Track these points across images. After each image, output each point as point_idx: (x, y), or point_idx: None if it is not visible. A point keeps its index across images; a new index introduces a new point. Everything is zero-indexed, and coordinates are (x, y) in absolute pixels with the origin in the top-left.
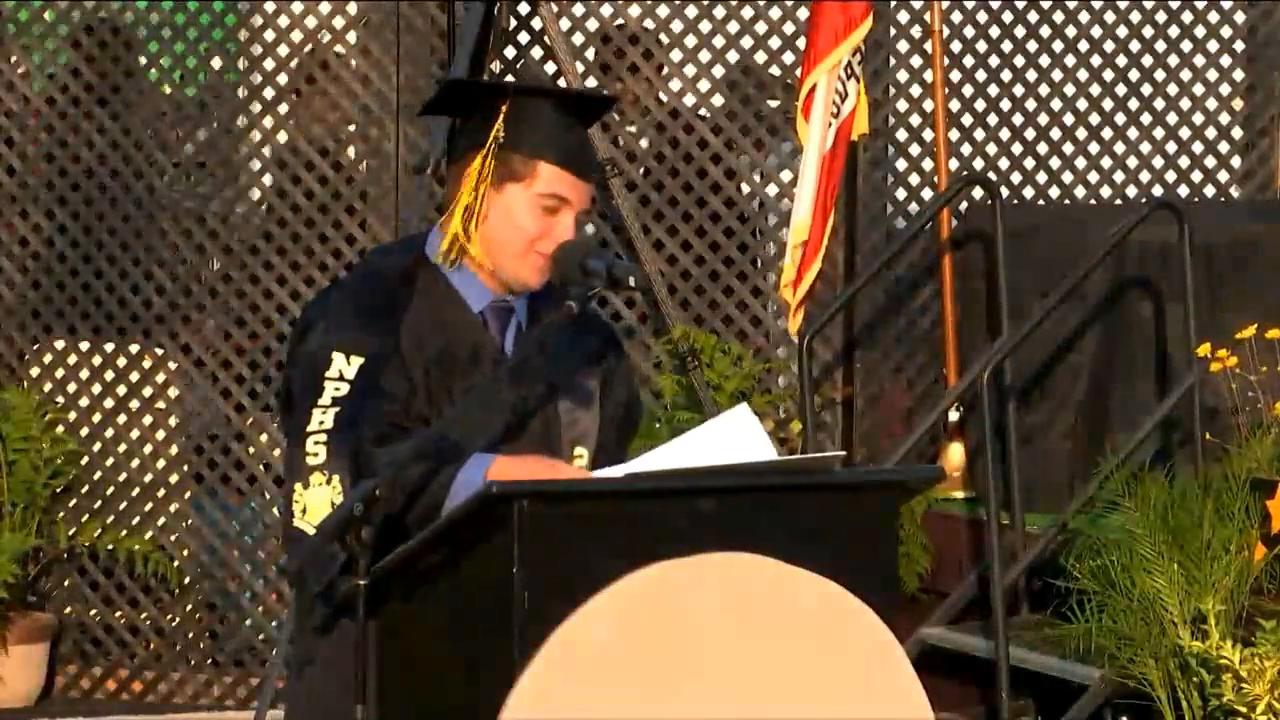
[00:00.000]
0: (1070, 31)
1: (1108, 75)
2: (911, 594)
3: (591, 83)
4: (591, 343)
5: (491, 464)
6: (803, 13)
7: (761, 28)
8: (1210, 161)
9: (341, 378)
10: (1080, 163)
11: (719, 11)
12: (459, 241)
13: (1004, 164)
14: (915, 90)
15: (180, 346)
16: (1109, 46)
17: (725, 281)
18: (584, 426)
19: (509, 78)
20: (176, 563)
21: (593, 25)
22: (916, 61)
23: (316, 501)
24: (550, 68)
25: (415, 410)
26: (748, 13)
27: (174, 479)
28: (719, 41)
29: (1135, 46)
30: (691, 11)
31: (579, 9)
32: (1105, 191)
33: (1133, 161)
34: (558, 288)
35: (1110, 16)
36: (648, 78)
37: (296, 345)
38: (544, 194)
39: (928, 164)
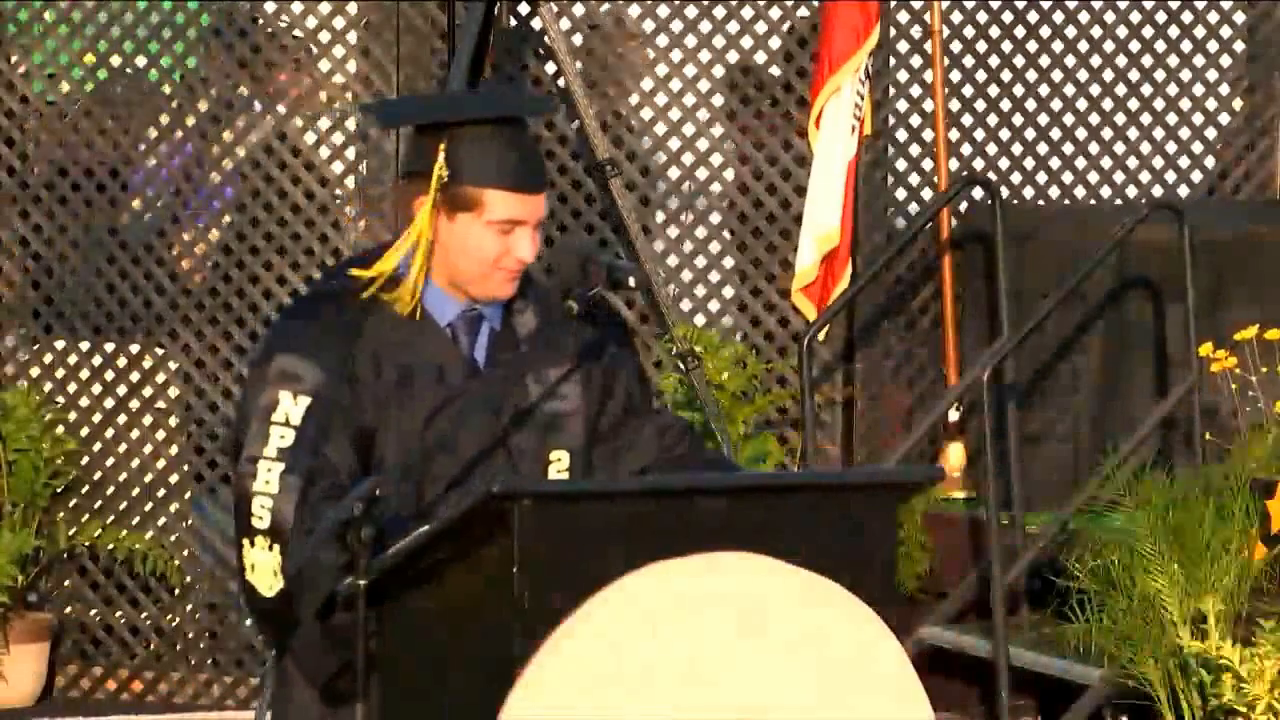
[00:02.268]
0: (1070, 31)
1: (1108, 75)
2: (911, 594)
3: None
4: (565, 327)
5: None
6: (803, 12)
7: (761, 27)
8: (1210, 161)
9: (288, 422)
10: (1080, 163)
11: (719, 11)
12: (411, 273)
13: (1004, 164)
14: (915, 90)
15: (180, 347)
16: (1109, 46)
17: (725, 282)
18: (569, 432)
19: (509, 78)
20: (176, 563)
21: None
22: (916, 61)
23: (262, 566)
24: (550, 68)
25: (364, 436)
26: (748, 13)
27: (174, 479)
28: (719, 41)
29: (1135, 46)
30: (691, 11)
31: (579, 9)
32: (1105, 191)
33: (1133, 161)
34: (532, 284)
35: (1110, 16)
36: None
37: (252, 368)
38: (497, 220)
39: (928, 164)
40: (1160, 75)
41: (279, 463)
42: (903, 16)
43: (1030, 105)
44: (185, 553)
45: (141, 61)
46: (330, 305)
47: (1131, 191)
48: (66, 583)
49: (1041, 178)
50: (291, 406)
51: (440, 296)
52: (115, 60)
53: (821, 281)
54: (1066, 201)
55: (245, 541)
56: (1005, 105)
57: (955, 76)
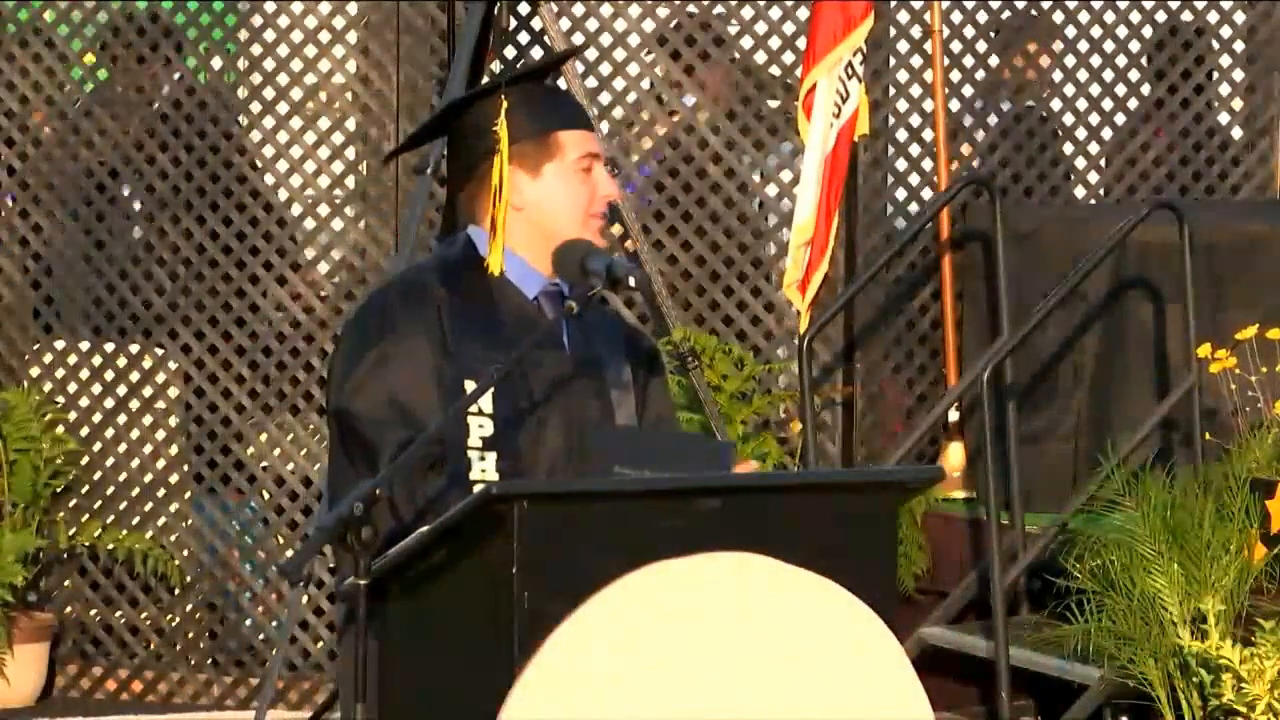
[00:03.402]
0: (1070, 31)
1: (1108, 75)
2: (910, 594)
3: (592, 83)
4: (612, 329)
5: None
6: (803, 12)
7: (761, 28)
8: (1210, 161)
9: (481, 412)
10: (1080, 163)
11: (719, 11)
12: (497, 236)
13: (1004, 164)
14: (915, 90)
15: (180, 347)
16: (1109, 46)
17: (725, 281)
18: (630, 412)
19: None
20: (176, 562)
21: (593, 25)
22: (917, 61)
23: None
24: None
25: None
26: (748, 13)
27: (174, 479)
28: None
29: (1135, 46)
30: (692, 11)
31: (579, 9)
32: (1105, 192)
33: (1133, 162)
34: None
35: (1110, 16)
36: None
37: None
38: (578, 158)
39: (928, 164)
40: (1160, 75)
41: (490, 451)
42: (903, 16)
43: (1030, 105)
44: (185, 553)
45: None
46: (452, 285)
47: (1131, 191)
48: (67, 583)
49: (1042, 178)
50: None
51: (523, 268)
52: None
53: (806, 275)
54: (1066, 201)
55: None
56: (1005, 105)
57: (955, 76)
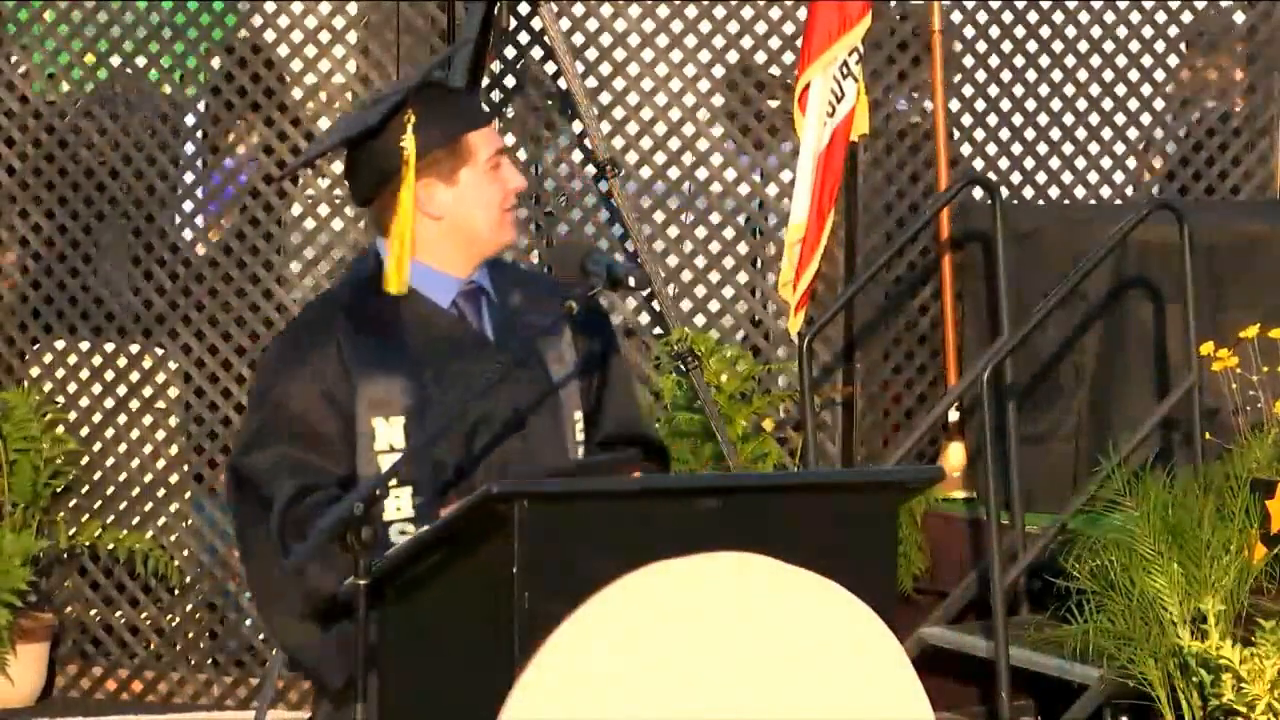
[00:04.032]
0: (1070, 31)
1: (1108, 75)
2: (910, 594)
3: (591, 83)
4: (550, 304)
5: None
6: (803, 12)
7: (761, 28)
8: (1210, 161)
9: (392, 448)
10: (1080, 163)
11: (719, 11)
12: (391, 255)
13: (1004, 164)
14: (915, 90)
15: (180, 347)
16: (1109, 46)
17: (725, 281)
18: (577, 395)
19: (509, 78)
20: (176, 563)
21: (593, 25)
22: (917, 61)
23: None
24: (550, 68)
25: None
26: (748, 13)
27: (174, 479)
28: (719, 41)
29: (1135, 47)
30: (691, 11)
31: (579, 9)
32: (1105, 191)
33: (1132, 162)
34: (513, 266)
35: (1110, 16)
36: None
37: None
38: (489, 159)
39: (928, 164)
40: (1160, 75)
41: (405, 488)
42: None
43: (1030, 105)
44: (185, 553)
45: (141, 61)
46: (354, 316)
47: (1131, 191)
48: (67, 583)
49: (1041, 178)
50: (387, 428)
51: (435, 276)
52: (115, 60)
53: (796, 273)
54: (1066, 201)
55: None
56: (1005, 105)
57: (955, 77)
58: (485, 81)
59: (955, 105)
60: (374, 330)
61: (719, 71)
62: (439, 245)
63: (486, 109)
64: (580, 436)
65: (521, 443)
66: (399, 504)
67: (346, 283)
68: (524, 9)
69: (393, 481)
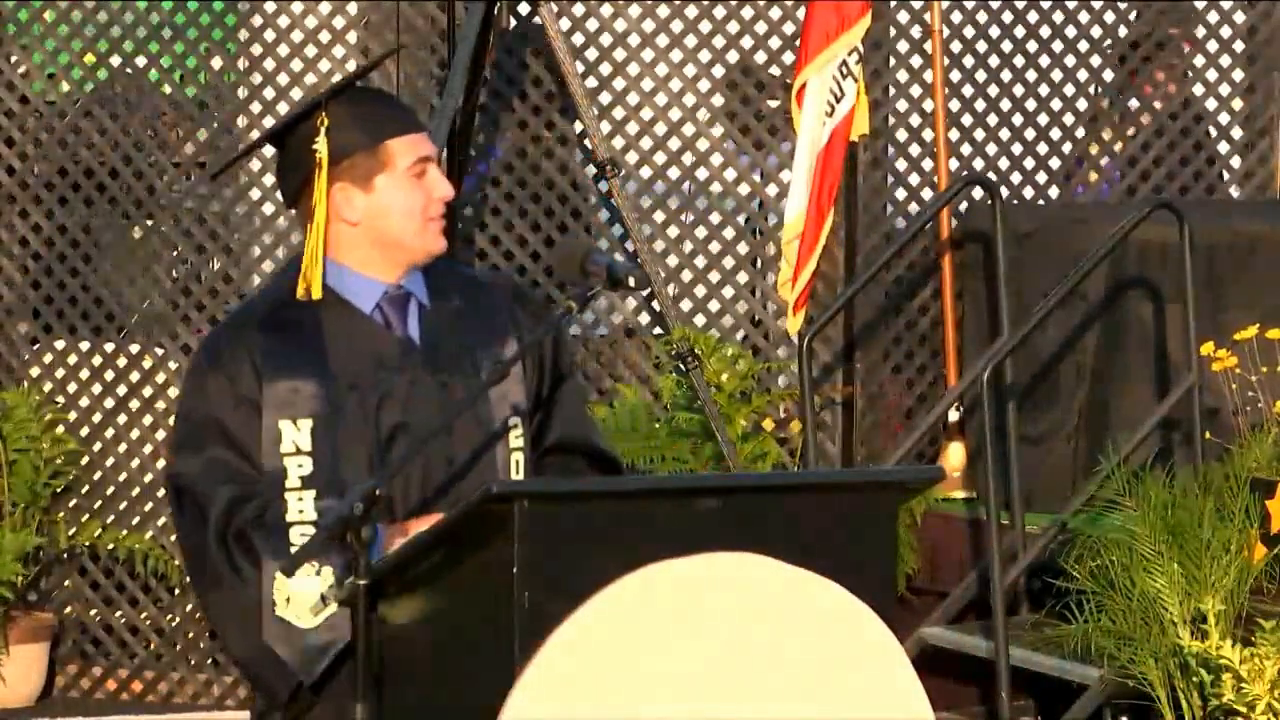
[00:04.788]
0: (1070, 31)
1: (1108, 75)
2: (910, 594)
3: (591, 83)
4: (495, 308)
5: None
6: (803, 12)
7: (761, 28)
8: (1210, 161)
9: (299, 450)
10: (1080, 163)
11: (719, 11)
12: (305, 258)
13: (1004, 164)
14: (915, 90)
15: (180, 347)
16: (1109, 47)
17: (725, 281)
18: (514, 397)
19: (508, 78)
20: (176, 562)
21: (593, 25)
22: (916, 61)
23: (304, 593)
24: (550, 68)
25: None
26: (748, 13)
27: None
28: (719, 41)
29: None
30: (691, 11)
31: (579, 9)
32: (1105, 191)
33: (1132, 162)
34: (457, 272)
35: (1110, 16)
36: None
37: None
38: (410, 166)
39: (928, 164)
40: (1160, 75)
41: (307, 490)
42: (903, 16)
43: (1030, 105)
44: None
45: (141, 61)
46: (269, 323)
47: (1131, 191)
48: (66, 582)
49: (1041, 178)
50: (295, 433)
51: (359, 281)
52: (115, 60)
53: (794, 272)
54: (1066, 203)
55: (279, 573)
56: (1005, 105)
57: (955, 76)
58: (485, 81)
59: (955, 105)
60: (288, 335)
61: (719, 71)
62: (359, 250)
63: (417, 118)
64: (518, 442)
65: (445, 451)
66: (301, 506)
67: (267, 291)
68: (524, 9)
69: (296, 484)
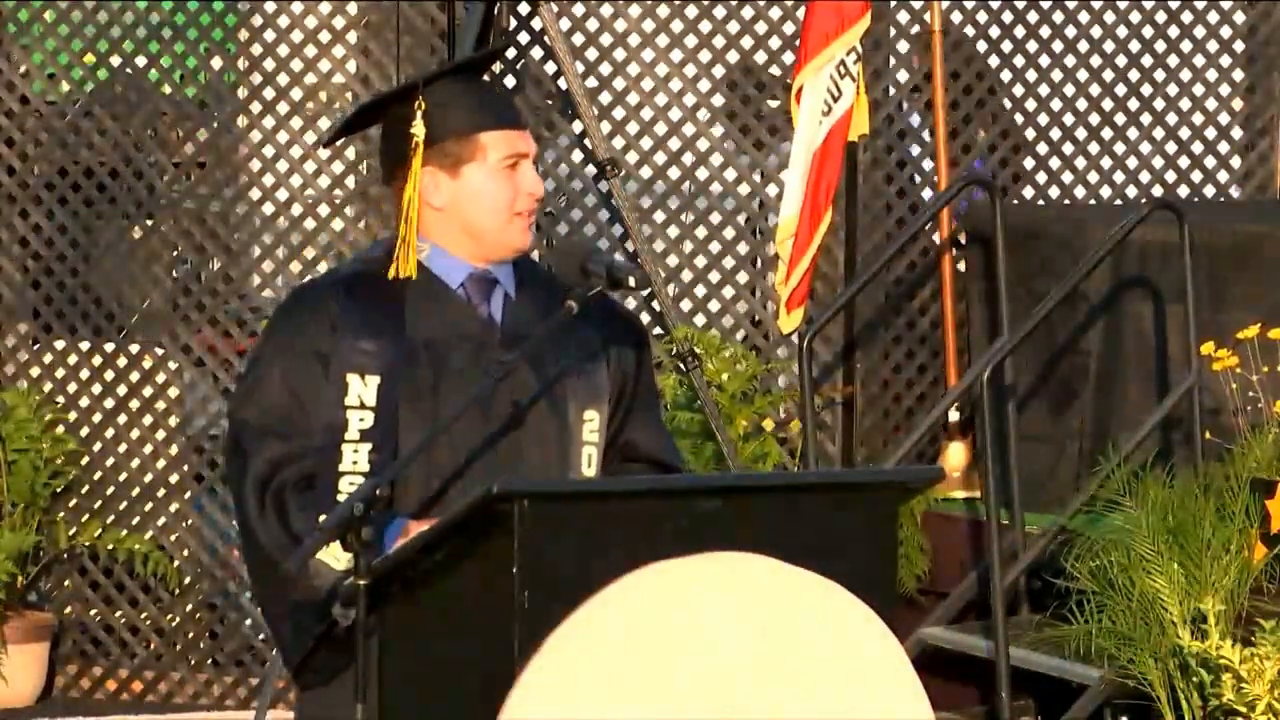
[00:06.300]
0: (1070, 31)
1: (1108, 75)
2: (910, 594)
3: (591, 83)
4: (594, 336)
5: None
6: (803, 12)
7: (762, 28)
8: (1210, 161)
9: (363, 405)
10: (1080, 163)
11: (719, 11)
12: (407, 246)
13: (1004, 164)
14: (915, 90)
15: (180, 347)
16: (1109, 46)
17: (725, 281)
18: (599, 396)
19: (509, 78)
20: (176, 563)
21: (593, 25)
22: (916, 62)
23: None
24: (550, 68)
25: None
26: (748, 13)
27: (174, 479)
28: (719, 41)
29: (1135, 46)
30: (691, 11)
31: (579, 9)
32: (1105, 191)
33: (1133, 161)
34: (539, 269)
35: (1110, 16)
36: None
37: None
38: (501, 159)
39: (928, 164)
40: (1160, 75)
41: (364, 443)
42: (903, 16)
43: (1030, 105)
44: (185, 553)
45: (141, 61)
46: (359, 284)
47: (1131, 191)
48: (66, 583)
49: (1041, 178)
50: (363, 388)
51: (446, 259)
52: (115, 60)
53: (787, 271)
54: (1066, 201)
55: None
56: (1005, 105)
57: (955, 77)
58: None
59: (955, 105)
60: (370, 298)
61: (719, 71)
62: (447, 235)
63: (519, 112)
64: (592, 437)
65: (515, 440)
66: (356, 458)
67: (353, 260)
68: (524, 9)
69: (355, 436)
